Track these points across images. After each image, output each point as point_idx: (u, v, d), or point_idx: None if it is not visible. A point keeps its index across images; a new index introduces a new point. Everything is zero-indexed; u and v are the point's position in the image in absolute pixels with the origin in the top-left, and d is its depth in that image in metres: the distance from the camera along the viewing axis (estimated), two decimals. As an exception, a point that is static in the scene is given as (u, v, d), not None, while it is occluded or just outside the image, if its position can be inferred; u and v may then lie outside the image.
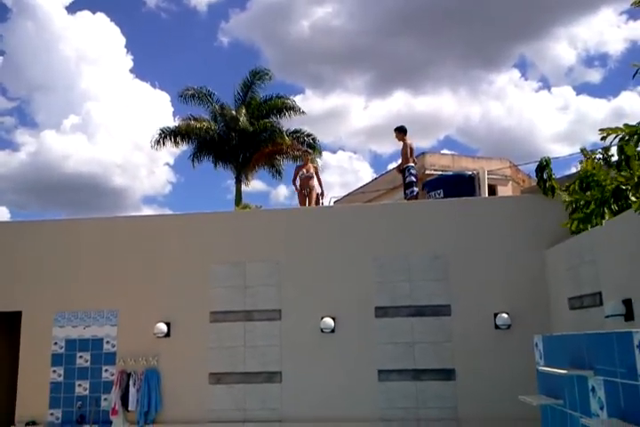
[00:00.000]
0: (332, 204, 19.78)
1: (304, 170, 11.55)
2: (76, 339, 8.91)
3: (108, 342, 8.86)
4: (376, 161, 60.52)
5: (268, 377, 8.43)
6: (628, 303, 5.81)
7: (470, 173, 11.68)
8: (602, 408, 3.45)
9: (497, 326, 8.13)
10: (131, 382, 8.49)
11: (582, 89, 65.24)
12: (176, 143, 23.69)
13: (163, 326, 8.61)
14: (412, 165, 10.97)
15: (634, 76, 4.78)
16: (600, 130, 5.26)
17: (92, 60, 51.77)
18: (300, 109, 24.08)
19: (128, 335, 8.75)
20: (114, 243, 9.20)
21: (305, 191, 11.32)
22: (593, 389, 3.59)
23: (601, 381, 3.48)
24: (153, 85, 61.36)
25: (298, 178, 11.53)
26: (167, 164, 51.31)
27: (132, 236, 9.23)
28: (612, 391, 3.35)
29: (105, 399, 8.63)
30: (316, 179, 11.53)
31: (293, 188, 11.67)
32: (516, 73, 63.07)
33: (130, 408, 8.41)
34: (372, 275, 8.57)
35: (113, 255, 9.11)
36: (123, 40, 57.96)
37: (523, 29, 52.17)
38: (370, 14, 50.65)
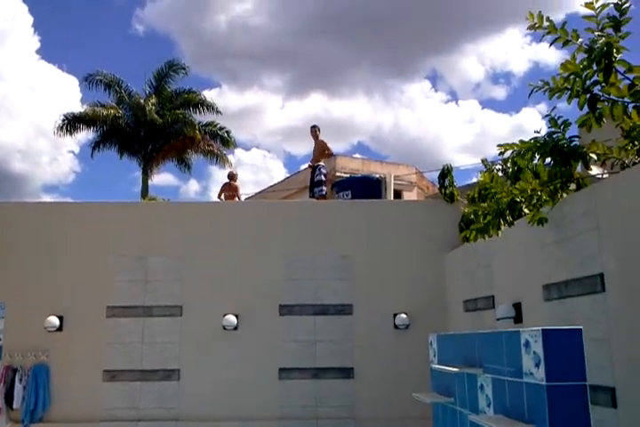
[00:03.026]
0: (242, 200, 19.61)
1: (228, 187, 12.93)
2: (-43, 332, 8.32)
3: (-7, 336, 8.32)
4: (290, 161, 60.73)
5: (166, 375, 8.23)
6: (517, 307, 6.17)
7: (378, 176, 11.97)
8: (489, 405, 3.62)
9: (396, 326, 8.37)
10: (17, 379, 8.03)
11: (487, 104, 68.54)
12: (79, 130, 22.54)
13: (54, 320, 8.21)
14: (323, 164, 11.12)
15: (529, 95, 5.08)
16: (498, 145, 5.58)
17: (-5, 38, 48.41)
18: (215, 108, 23.41)
19: (15, 329, 8.24)
20: (3, 230, 8.64)
21: None
22: (482, 386, 3.76)
23: (489, 378, 3.65)
24: (61, 68, 58.23)
25: (223, 194, 12.77)
26: (72, 152, 48.89)
27: (24, 223, 8.71)
28: (499, 389, 3.52)
29: (-13, 396, 8.10)
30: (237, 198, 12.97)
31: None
32: (427, 84, 65.33)
33: (15, 406, 7.95)
34: (279, 273, 8.58)
35: (5, 243, 8.56)
36: (30, 19, 54.65)
37: (436, 42, 54.24)
38: (290, 15, 50.84)
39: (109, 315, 8.40)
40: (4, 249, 8.52)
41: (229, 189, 12.89)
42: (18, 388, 7.99)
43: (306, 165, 11.81)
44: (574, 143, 5.07)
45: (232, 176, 13.39)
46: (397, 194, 20.78)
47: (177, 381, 8.21)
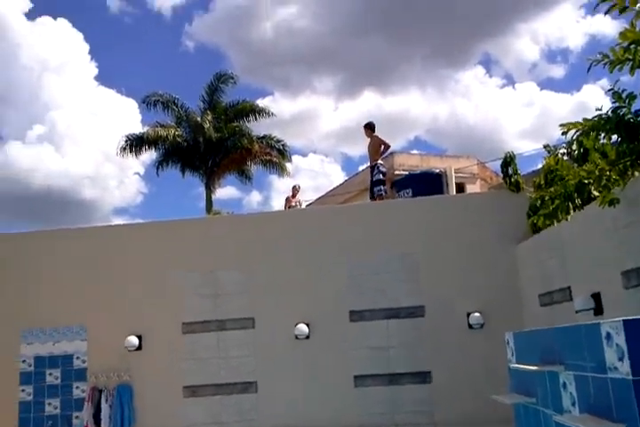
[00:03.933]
0: (303, 207, 19.71)
1: (293, 201, 13.79)
2: (46, 356, 8.67)
3: (78, 358, 8.65)
4: (347, 163, 60.71)
5: (244, 388, 8.30)
6: (596, 297, 5.84)
7: (438, 171, 11.72)
8: (573, 404, 3.42)
9: (470, 326, 8.12)
10: (103, 399, 8.30)
11: (546, 84, 66.36)
12: (142, 150, 23.27)
13: (134, 340, 8.43)
14: (382, 162, 10.85)
15: (588, 70, 4.80)
16: (560, 125, 5.26)
17: (55, 69, 50.92)
18: (269, 112, 23.72)
19: (98, 350, 8.54)
20: (80, 255, 8.97)
21: None
22: (564, 384, 3.56)
23: (571, 376, 3.45)
24: (119, 92, 60.51)
25: (287, 208, 13.50)
26: (137, 173, 50.57)
27: (98, 247, 9.00)
28: (582, 386, 3.33)
29: (77, 417, 8.42)
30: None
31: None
32: (480, 70, 63.90)
33: (103, 425, 8.20)
34: (345, 278, 8.50)
35: (80, 268, 8.88)
36: (86, 46, 57.18)
37: (486, 26, 52.95)
38: (334, 14, 50.87)
39: (185, 331, 8.55)
40: (82, 275, 8.84)
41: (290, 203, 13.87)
42: (104, 407, 8.24)
43: (365, 166, 11.72)
44: (641, 116, 4.78)
45: (294, 189, 14.30)
46: (460, 187, 20.34)
47: (255, 393, 8.26)
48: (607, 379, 3.01)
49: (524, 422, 4.27)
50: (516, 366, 4.31)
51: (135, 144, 23.11)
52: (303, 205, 14.94)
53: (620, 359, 2.86)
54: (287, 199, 14.13)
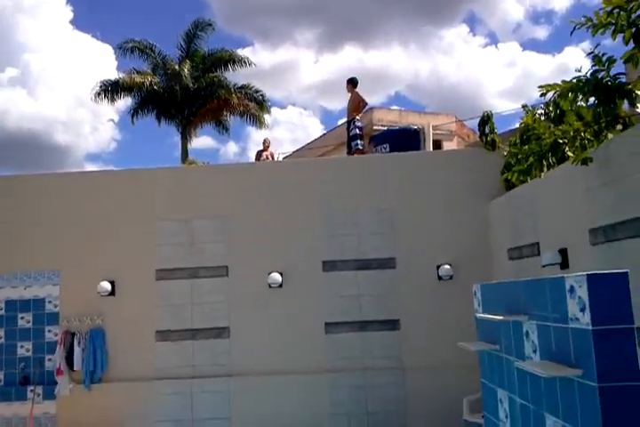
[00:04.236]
0: (280, 159, 19.64)
1: (264, 155, 13.66)
2: (17, 300, 8.68)
3: (50, 302, 8.67)
4: (326, 117, 60.34)
5: (217, 333, 8.46)
6: (563, 253, 6.02)
7: (416, 127, 11.70)
8: (535, 351, 3.57)
9: (440, 277, 8.33)
10: (75, 342, 8.37)
11: (528, 45, 65.97)
12: (116, 97, 22.73)
13: (107, 285, 8.47)
14: (358, 117, 10.92)
15: (571, 32, 4.80)
16: (539, 87, 5.30)
17: (30, 10, 48.84)
18: (248, 61, 23.28)
19: (71, 295, 8.56)
20: (53, 200, 8.88)
21: None
22: (527, 333, 3.71)
23: (534, 325, 3.59)
24: (95, 37, 58.43)
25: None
26: (111, 120, 49.65)
27: (73, 193, 8.91)
28: (544, 335, 3.47)
29: (49, 360, 8.50)
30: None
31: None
32: (464, 28, 63.11)
33: (75, 368, 8.31)
34: (319, 229, 8.59)
35: (53, 213, 8.80)
36: (61, -11, 54.66)
37: (472, -17, 51.83)
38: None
39: (158, 278, 8.61)
40: (55, 219, 8.77)
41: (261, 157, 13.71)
42: (77, 351, 8.33)
43: (343, 120, 11.71)
44: (619, 80, 4.82)
45: (264, 143, 14.05)
46: (437, 144, 20.42)
47: (227, 338, 8.43)
48: (568, 329, 3.14)
49: (488, 368, 4.46)
50: (482, 315, 4.45)
51: (110, 90, 22.58)
52: (278, 159, 14.88)
53: (582, 310, 2.98)
54: (258, 153, 14.01)
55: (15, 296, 8.68)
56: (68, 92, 47.83)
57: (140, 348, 8.43)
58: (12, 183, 9.07)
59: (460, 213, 8.49)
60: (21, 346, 8.59)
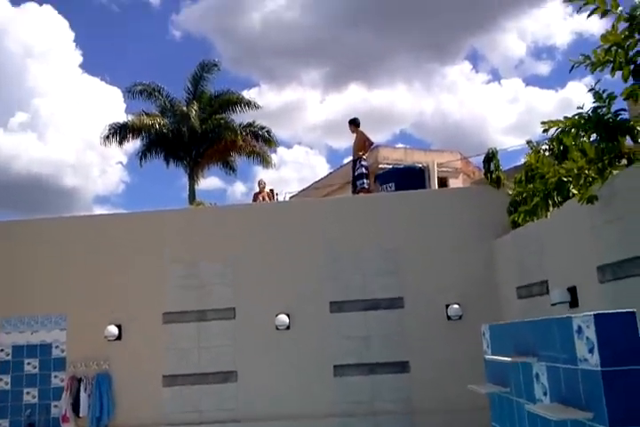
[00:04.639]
0: (287, 199, 19.74)
1: (260, 197, 13.50)
2: (24, 345, 8.63)
3: (57, 348, 8.60)
4: (332, 156, 60.82)
5: (224, 377, 8.33)
6: (572, 291, 5.96)
7: (421, 165, 11.80)
8: (545, 394, 3.51)
9: (449, 317, 8.23)
10: (82, 388, 8.28)
11: (531, 81, 66.86)
12: (125, 139, 22.99)
13: (114, 329, 8.41)
14: (364, 157, 11.00)
15: (570, 71, 4.88)
16: (542, 122, 5.34)
17: (40, 56, 50.14)
18: (254, 104, 23.59)
19: (78, 340, 8.50)
20: (60, 244, 8.91)
21: None
22: (537, 375, 3.65)
23: (544, 367, 3.54)
24: (104, 80, 59.72)
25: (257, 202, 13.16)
26: (120, 162, 50.21)
27: (78, 236, 8.95)
28: (554, 377, 3.41)
29: (55, 406, 8.38)
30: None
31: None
32: (467, 65, 64.17)
33: (81, 414, 8.20)
34: (326, 270, 8.55)
35: (60, 257, 8.83)
36: (71, 34, 56.31)
37: (474, 21, 53.15)
38: (322, 7, 50.71)
39: (165, 321, 8.55)
40: (63, 263, 8.79)
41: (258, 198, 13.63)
42: (83, 397, 8.22)
43: (349, 159, 11.79)
44: (620, 117, 4.87)
45: (259, 185, 13.99)
46: (443, 182, 20.50)
47: (235, 382, 8.30)
48: (578, 370, 3.09)
49: (499, 411, 4.37)
50: (491, 357, 4.40)
51: (119, 133, 22.85)
52: (285, 198, 14.91)
53: (590, 351, 2.94)
54: (255, 195, 13.90)
55: (22, 341, 8.63)
56: (77, 136, 48.61)
57: (147, 393, 8.31)
58: (19, 228, 9.10)
59: (466, 250, 8.45)
60: (27, 392, 8.49)
